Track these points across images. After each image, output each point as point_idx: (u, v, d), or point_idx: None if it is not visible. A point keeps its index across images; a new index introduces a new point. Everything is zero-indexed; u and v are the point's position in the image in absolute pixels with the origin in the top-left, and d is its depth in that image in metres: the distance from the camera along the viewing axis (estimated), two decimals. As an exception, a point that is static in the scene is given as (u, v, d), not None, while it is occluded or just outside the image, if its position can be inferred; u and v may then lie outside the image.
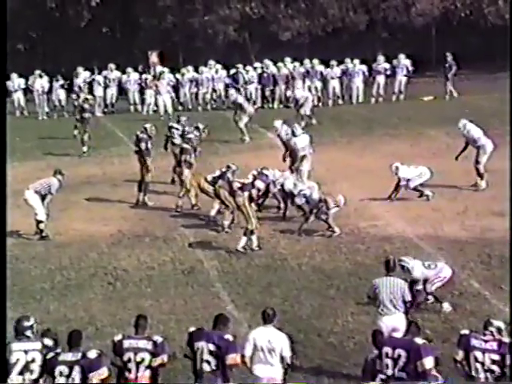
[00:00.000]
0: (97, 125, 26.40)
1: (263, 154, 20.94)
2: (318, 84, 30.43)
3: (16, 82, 30.84)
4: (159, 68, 31.28)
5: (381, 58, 30.55)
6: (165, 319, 12.54)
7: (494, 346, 8.97)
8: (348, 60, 30.38)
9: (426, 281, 12.17)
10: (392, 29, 36.82)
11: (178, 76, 30.92)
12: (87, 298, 13.70)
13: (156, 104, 29.89)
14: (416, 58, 30.58)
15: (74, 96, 28.60)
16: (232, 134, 24.36)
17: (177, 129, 19.64)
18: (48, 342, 9.15)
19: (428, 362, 8.98)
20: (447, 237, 15.45)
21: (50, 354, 8.96)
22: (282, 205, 17.07)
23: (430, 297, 12.40)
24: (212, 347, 9.18)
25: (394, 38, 36.30)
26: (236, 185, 15.95)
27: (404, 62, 30.25)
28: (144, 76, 31.09)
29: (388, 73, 30.33)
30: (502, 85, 28.13)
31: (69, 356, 8.88)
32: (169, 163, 19.36)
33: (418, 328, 9.48)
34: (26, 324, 9.28)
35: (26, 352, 9.02)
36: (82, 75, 31.02)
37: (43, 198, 16.52)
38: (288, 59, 30.92)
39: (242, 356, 9.35)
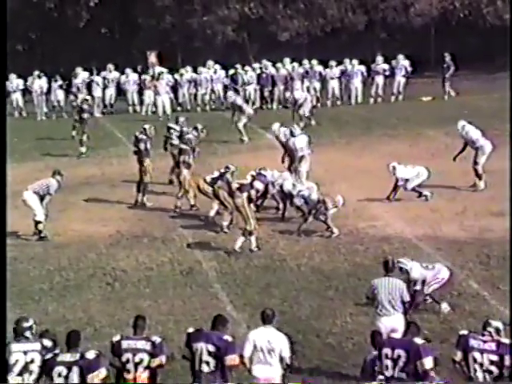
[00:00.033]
0: (95, 125, 26.40)
1: (262, 155, 20.94)
2: (317, 84, 30.41)
3: (14, 82, 30.82)
4: (158, 68, 31.26)
5: (380, 59, 30.54)
6: (163, 320, 12.54)
7: (492, 346, 8.97)
8: (347, 60, 30.36)
9: (423, 282, 12.17)
10: (391, 29, 36.80)
11: (177, 76, 30.89)
12: (86, 298, 13.70)
13: (155, 104, 29.87)
14: (415, 58, 30.56)
15: (72, 97, 28.59)
16: (231, 134, 24.35)
17: (175, 129, 19.63)
18: (47, 342, 9.16)
19: (428, 362, 8.99)
20: (446, 237, 15.45)
21: (49, 355, 8.96)
22: (281, 205, 17.07)
23: (427, 297, 12.39)
24: (211, 348, 9.18)
25: (392, 39, 36.28)
26: (235, 186, 15.95)
27: (403, 62, 30.23)
28: (143, 76, 31.08)
29: (387, 73, 30.30)
30: (501, 85, 28.14)
31: (67, 357, 8.88)
32: (167, 164, 19.37)
33: (417, 328, 9.48)
34: (25, 325, 9.29)
35: (25, 353, 9.04)
36: (81, 76, 31.00)
37: (42, 198, 16.53)
38: (287, 60, 30.88)
39: (241, 356, 9.36)
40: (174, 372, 10.25)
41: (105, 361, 8.97)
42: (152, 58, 32.88)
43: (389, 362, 9.04)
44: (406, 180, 17.35)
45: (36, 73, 31.28)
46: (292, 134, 18.76)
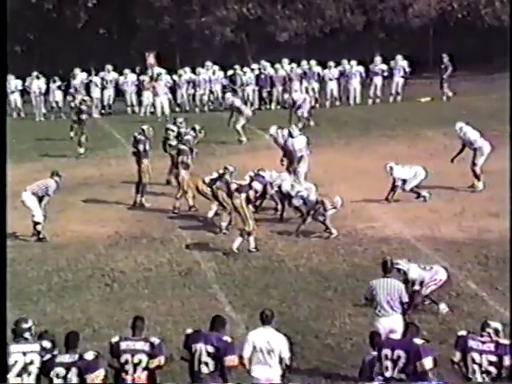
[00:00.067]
0: (94, 126, 26.41)
1: (260, 155, 20.94)
2: (316, 85, 30.45)
3: (13, 83, 30.82)
4: (156, 69, 31.26)
5: (378, 59, 30.58)
6: (162, 321, 12.54)
7: (491, 347, 8.97)
8: (345, 61, 30.40)
9: (421, 283, 12.17)
10: (389, 30, 36.82)
11: (175, 77, 30.91)
12: (84, 299, 13.70)
13: (153, 105, 29.88)
14: (413, 59, 30.59)
15: (70, 97, 28.59)
16: (229, 135, 24.36)
17: (172, 130, 19.63)
18: (46, 344, 9.16)
19: (428, 363, 8.99)
20: (444, 238, 15.46)
21: (47, 356, 8.96)
22: (280, 206, 17.06)
23: (425, 299, 12.40)
24: (210, 349, 9.18)
25: (391, 39, 36.30)
26: (233, 186, 15.95)
27: (401, 63, 30.26)
28: (141, 77, 31.09)
29: (385, 74, 30.34)
30: (500, 86, 28.15)
31: (66, 358, 8.88)
32: (166, 165, 19.37)
33: (416, 329, 9.48)
34: (25, 326, 9.29)
35: (24, 354, 9.03)
36: (79, 76, 31.02)
37: (40, 199, 16.53)
38: (285, 60, 30.91)
39: (241, 357, 9.36)
40: (173, 373, 10.24)
41: (103, 362, 8.96)
42: (150, 58, 32.85)
43: (388, 363, 9.03)
44: (404, 180, 17.35)
45: (34, 73, 31.30)
46: (290, 135, 18.75)
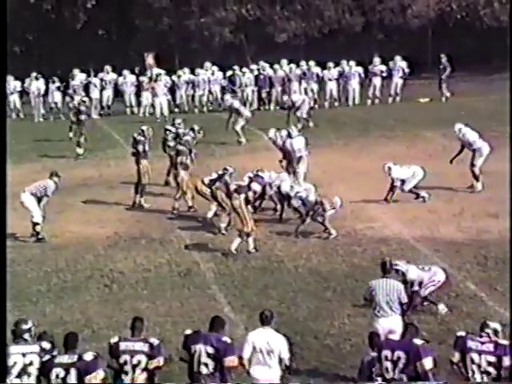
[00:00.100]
0: (93, 127, 26.41)
1: (260, 156, 20.93)
2: (315, 86, 30.45)
3: (12, 84, 30.82)
4: (155, 70, 31.29)
5: (377, 60, 30.58)
6: (161, 321, 12.54)
7: (490, 347, 8.97)
8: (344, 62, 30.41)
9: (420, 283, 12.17)
10: (388, 31, 36.85)
11: (175, 78, 30.92)
12: (83, 300, 13.69)
13: (152, 106, 29.89)
14: (412, 59, 30.60)
15: (67, 98, 28.58)
16: (228, 135, 24.36)
17: (170, 131, 19.65)
18: (46, 345, 9.16)
19: (428, 363, 8.98)
20: (443, 238, 15.46)
21: (46, 357, 8.96)
22: (279, 207, 17.06)
23: (424, 301, 12.40)
24: (210, 350, 9.18)
25: (389, 40, 36.33)
26: (232, 187, 15.95)
27: (400, 63, 30.27)
28: (140, 78, 31.08)
29: (384, 75, 30.34)
30: (498, 86, 28.19)
31: (65, 358, 8.88)
32: (165, 165, 19.39)
33: (416, 329, 9.47)
34: (24, 327, 9.28)
35: (23, 355, 9.03)
36: (78, 77, 31.01)
37: (39, 200, 16.51)
38: (284, 61, 30.92)
39: (241, 358, 9.35)
40: (172, 374, 10.24)
41: (102, 362, 8.97)
42: (149, 59, 32.88)
43: (389, 364, 9.02)
44: (403, 181, 17.36)
45: (33, 74, 31.31)
46: (289, 136, 18.75)
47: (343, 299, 13.08)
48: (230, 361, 9.17)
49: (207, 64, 31.22)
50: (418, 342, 9.11)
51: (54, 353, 9.07)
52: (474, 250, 14.76)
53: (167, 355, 9.55)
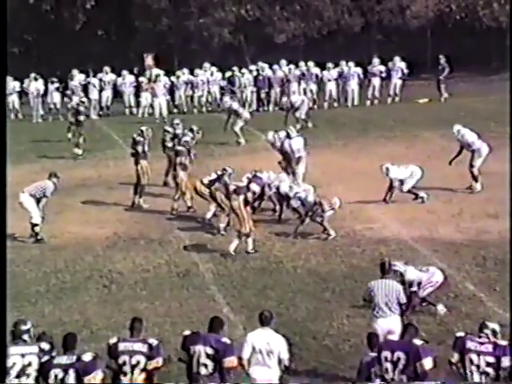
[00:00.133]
0: (92, 127, 26.41)
1: (259, 157, 20.91)
2: (314, 87, 30.45)
3: (11, 84, 30.76)
4: (155, 71, 31.29)
5: (376, 61, 30.59)
6: (160, 322, 12.53)
7: (489, 348, 8.97)
8: (343, 62, 30.42)
9: (419, 284, 12.17)
10: (387, 31, 36.85)
11: (174, 79, 30.93)
12: (82, 300, 13.69)
13: (151, 106, 29.88)
14: (411, 60, 30.61)
15: (66, 99, 28.57)
16: (227, 136, 24.36)
17: (169, 132, 19.66)
18: (45, 346, 9.15)
19: (427, 363, 8.98)
20: (442, 239, 15.46)
21: (45, 358, 8.95)
22: (278, 207, 17.06)
23: (423, 302, 12.40)
24: (209, 350, 9.17)
25: (389, 41, 36.34)
26: (231, 188, 15.95)
27: (399, 64, 30.28)
28: (139, 79, 31.08)
29: (383, 75, 30.36)
30: (498, 87, 28.20)
31: (64, 359, 8.87)
32: (164, 166, 19.40)
33: (415, 329, 9.47)
34: (23, 328, 9.28)
35: (22, 356, 9.02)
36: (77, 78, 31.00)
37: (38, 201, 16.51)
38: (283, 62, 30.92)
39: (240, 359, 9.35)
40: (171, 374, 10.23)
41: (101, 363, 8.96)
42: (149, 60, 32.90)
43: (388, 365, 9.01)
44: (401, 181, 17.36)
45: (32, 75, 31.31)
46: (288, 136, 18.74)
47: (342, 300, 13.08)
48: (230, 361, 9.17)
49: (206, 65, 31.23)
50: (417, 342, 9.11)
51: (53, 353, 9.07)
52: (473, 251, 14.76)
53: (166, 356, 9.54)
